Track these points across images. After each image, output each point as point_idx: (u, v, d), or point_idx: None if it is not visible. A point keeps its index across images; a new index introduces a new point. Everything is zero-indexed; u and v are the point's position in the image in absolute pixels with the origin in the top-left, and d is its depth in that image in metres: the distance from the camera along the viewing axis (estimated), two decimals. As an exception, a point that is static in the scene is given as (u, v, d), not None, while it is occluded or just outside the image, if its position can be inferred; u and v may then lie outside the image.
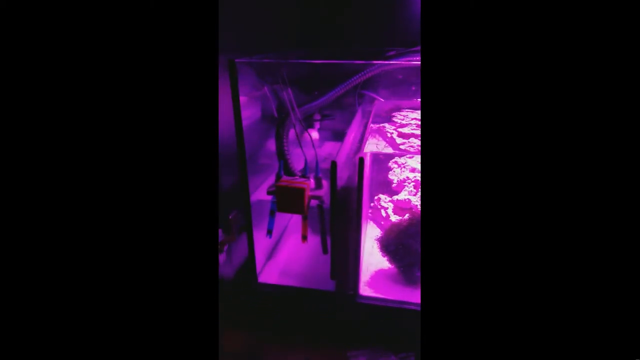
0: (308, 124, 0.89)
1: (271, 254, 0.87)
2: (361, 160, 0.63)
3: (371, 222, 0.94)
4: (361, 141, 0.73)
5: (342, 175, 0.66)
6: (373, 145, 0.76)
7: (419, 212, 0.73)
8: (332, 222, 0.67)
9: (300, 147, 0.71)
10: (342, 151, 0.68)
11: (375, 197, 0.95)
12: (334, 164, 0.64)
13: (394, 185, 0.91)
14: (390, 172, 0.93)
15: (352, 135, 0.79)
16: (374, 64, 0.83)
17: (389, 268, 0.76)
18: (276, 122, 0.76)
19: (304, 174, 0.70)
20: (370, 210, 0.95)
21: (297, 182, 0.67)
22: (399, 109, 0.95)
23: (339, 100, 1.02)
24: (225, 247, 0.70)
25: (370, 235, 0.82)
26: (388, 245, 0.71)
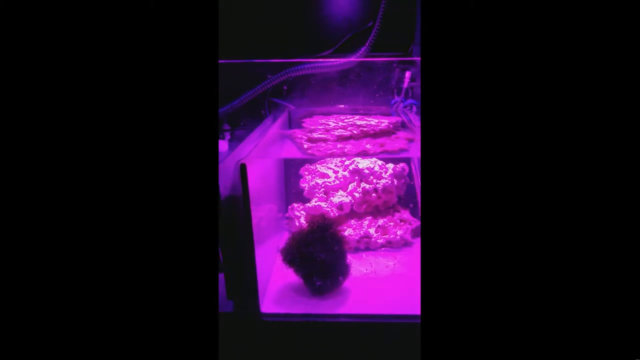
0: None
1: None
2: (243, 168, 0.58)
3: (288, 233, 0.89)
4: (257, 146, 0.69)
5: (227, 184, 0.61)
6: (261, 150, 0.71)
7: (319, 218, 0.69)
8: (221, 237, 0.62)
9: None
10: (231, 158, 0.63)
11: (289, 207, 0.90)
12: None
13: (305, 192, 0.88)
14: (301, 180, 0.89)
15: (251, 141, 0.74)
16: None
17: (297, 281, 0.71)
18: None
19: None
20: (285, 221, 0.91)
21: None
22: (311, 115, 0.93)
23: (251, 109, 0.98)
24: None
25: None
26: (286, 255, 0.66)
